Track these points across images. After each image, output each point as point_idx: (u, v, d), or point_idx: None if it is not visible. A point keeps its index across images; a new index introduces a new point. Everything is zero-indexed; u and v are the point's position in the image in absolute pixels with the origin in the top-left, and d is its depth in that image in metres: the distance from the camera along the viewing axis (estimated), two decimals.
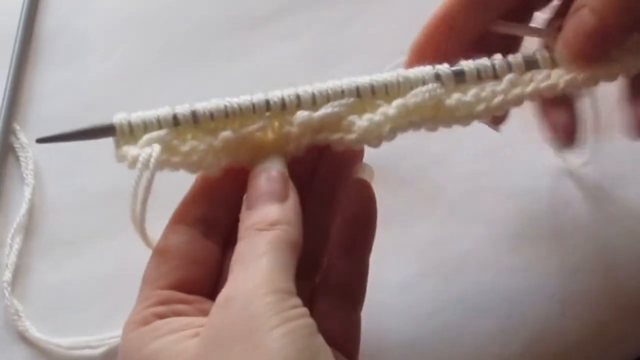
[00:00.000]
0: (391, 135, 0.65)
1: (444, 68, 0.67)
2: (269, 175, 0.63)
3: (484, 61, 0.67)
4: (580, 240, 0.83)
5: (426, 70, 0.66)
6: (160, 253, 0.64)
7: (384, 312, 0.79)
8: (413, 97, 0.65)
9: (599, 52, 0.68)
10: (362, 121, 0.65)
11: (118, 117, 0.64)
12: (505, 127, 0.79)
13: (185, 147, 0.64)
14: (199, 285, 0.63)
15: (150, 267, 0.64)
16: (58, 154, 0.85)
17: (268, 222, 0.60)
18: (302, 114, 0.64)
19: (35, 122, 0.88)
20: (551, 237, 0.83)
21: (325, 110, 0.65)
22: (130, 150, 0.63)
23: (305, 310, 0.57)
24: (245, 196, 0.63)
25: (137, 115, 0.64)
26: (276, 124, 0.65)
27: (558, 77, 0.68)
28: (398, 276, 0.81)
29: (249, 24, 0.94)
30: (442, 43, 0.72)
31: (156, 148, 0.63)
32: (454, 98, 0.66)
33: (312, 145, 0.66)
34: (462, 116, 0.67)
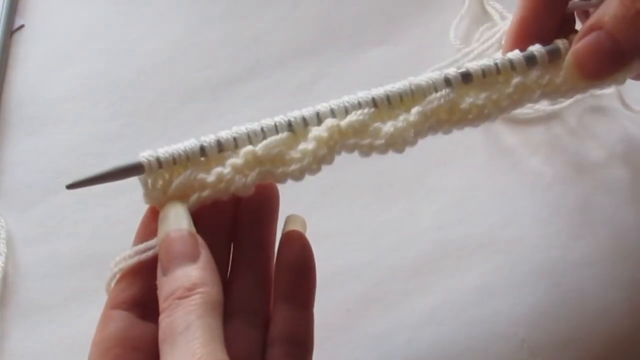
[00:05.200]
0: (414, 140, 0.69)
1: (451, 72, 0.70)
2: (177, 235, 0.62)
3: (487, 61, 0.71)
4: (548, 286, 0.83)
5: (435, 76, 0.69)
6: (99, 344, 0.63)
7: None
8: (429, 103, 0.68)
9: (611, 73, 0.71)
10: (387, 127, 0.67)
11: (145, 155, 0.65)
12: (469, 181, 0.81)
13: (211, 177, 0.65)
14: None
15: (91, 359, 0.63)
16: (29, 222, 0.86)
17: (186, 288, 0.59)
18: (330, 120, 0.67)
19: (6, 191, 0.89)
20: (518, 285, 0.83)
21: (350, 117, 0.67)
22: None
23: None
24: (158, 261, 0.63)
25: (164, 151, 0.65)
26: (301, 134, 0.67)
27: (559, 84, 0.72)
28: (369, 330, 0.81)
29: (216, 88, 0.96)
30: (528, 42, 0.74)
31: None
32: (467, 102, 0.70)
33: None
34: (474, 118, 0.70)
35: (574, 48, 0.71)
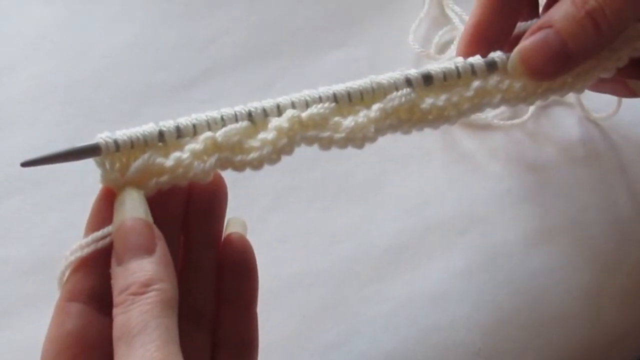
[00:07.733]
0: (374, 136, 0.68)
1: (412, 72, 0.70)
2: (133, 224, 0.61)
3: (448, 64, 0.71)
4: (506, 294, 0.83)
5: (396, 75, 0.70)
6: (54, 341, 0.61)
7: None
8: (390, 101, 0.68)
9: (556, 73, 0.71)
10: (347, 122, 0.67)
11: (102, 137, 0.63)
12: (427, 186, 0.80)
13: (170, 162, 0.64)
14: None
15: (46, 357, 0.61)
16: None
17: (141, 283, 0.58)
18: (291, 111, 0.66)
19: None
20: (476, 292, 0.83)
21: (311, 110, 0.67)
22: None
23: None
24: (112, 249, 0.61)
25: (122, 133, 0.63)
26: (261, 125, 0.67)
27: (519, 90, 0.72)
28: (324, 337, 0.81)
29: (173, 89, 0.94)
30: (481, 47, 0.75)
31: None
32: (428, 102, 0.70)
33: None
34: (434, 119, 0.70)
35: (521, 45, 0.71)
